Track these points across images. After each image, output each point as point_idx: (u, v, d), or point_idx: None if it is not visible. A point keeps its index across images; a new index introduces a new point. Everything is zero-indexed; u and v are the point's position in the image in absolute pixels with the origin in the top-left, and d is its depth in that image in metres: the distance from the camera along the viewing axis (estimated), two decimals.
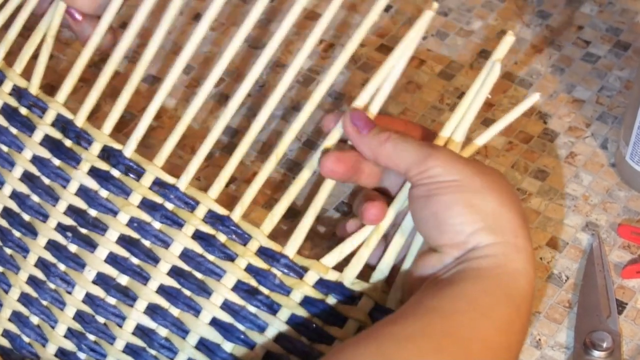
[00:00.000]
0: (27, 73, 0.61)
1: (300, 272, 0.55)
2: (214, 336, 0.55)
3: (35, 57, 0.61)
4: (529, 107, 0.56)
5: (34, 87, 0.59)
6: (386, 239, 0.57)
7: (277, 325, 0.54)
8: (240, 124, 0.76)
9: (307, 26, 0.83)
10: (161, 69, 0.79)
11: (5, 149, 0.59)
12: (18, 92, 0.60)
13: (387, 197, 0.57)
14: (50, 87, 0.59)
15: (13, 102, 0.59)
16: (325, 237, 0.69)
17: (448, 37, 0.83)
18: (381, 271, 0.54)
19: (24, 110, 0.59)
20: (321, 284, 0.54)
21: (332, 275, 0.54)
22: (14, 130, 0.59)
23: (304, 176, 0.56)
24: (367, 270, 0.56)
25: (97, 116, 0.60)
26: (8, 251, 0.59)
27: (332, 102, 0.79)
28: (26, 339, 0.58)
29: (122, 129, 0.71)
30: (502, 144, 0.77)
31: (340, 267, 0.56)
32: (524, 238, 0.52)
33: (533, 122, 0.78)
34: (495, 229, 0.52)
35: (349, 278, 0.54)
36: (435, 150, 0.53)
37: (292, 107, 0.78)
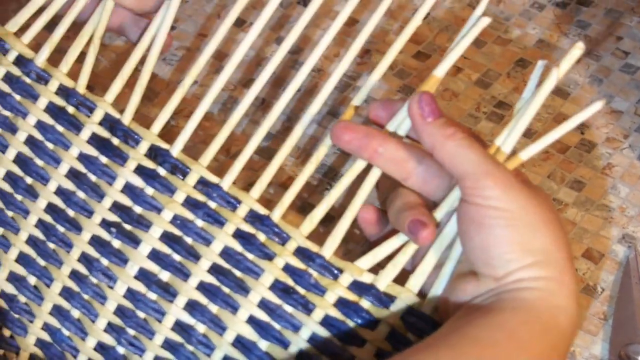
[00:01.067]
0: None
1: (335, 272, 0.55)
2: (250, 334, 0.55)
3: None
4: (587, 117, 0.54)
5: (81, 86, 0.60)
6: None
7: (311, 325, 0.54)
8: (277, 128, 0.77)
9: (345, 32, 0.83)
10: (205, 75, 0.80)
11: (51, 146, 0.60)
12: (65, 92, 0.60)
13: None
14: (88, 87, 0.60)
15: (60, 101, 0.60)
16: (360, 241, 0.69)
17: (485, 45, 0.83)
18: (417, 278, 0.54)
19: (71, 109, 0.60)
20: (355, 286, 0.54)
21: (367, 278, 0.54)
22: (60, 128, 0.60)
23: (345, 181, 0.56)
24: (402, 276, 0.55)
25: (134, 117, 0.61)
26: (51, 246, 0.59)
27: (367, 107, 0.79)
28: (66, 332, 0.59)
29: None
30: (538, 153, 0.76)
31: (376, 270, 0.56)
32: (570, 275, 0.51)
33: (570, 132, 0.77)
34: (543, 266, 0.51)
35: (384, 282, 0.54)
36: (495, 169, 0.51)
37: (329, 113, 0.79)
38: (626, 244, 0.71)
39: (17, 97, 0.61)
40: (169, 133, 0.63)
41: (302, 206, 0.72)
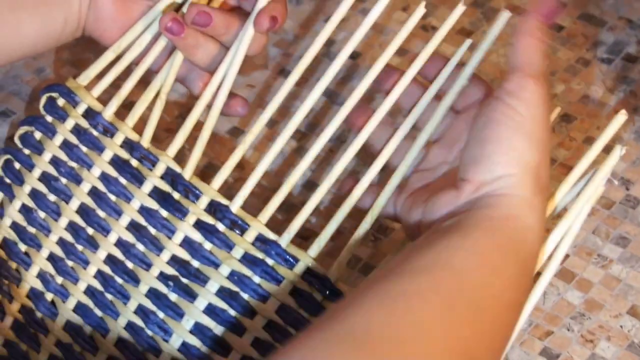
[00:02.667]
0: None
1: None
2: None
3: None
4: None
5: (145, 140, 0.61)
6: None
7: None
8: (320, 160, 0.77)
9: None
10: (243, 120, 0.81)
11: (113, 198, 0.61)
12: (130, 145, 0.61)
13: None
14: (139, 133, 0.61)
15: (124, 154, 0.61)
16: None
17: None
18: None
19: (134, 162, 0.61)
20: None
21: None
22: (123, 181, 0.61)
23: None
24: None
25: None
26: (109, 297, 0.60)
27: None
28: None
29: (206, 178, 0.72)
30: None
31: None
32: (542, 198, 0.53)
33: (615, 188, 0.78)
34: (522, 184, 0.53)
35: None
36: (541, 80, 0.55)
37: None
38: None
39: (84, 149, 0.62)
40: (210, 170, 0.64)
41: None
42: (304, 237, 0.69)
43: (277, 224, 0.60)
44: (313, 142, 0.59)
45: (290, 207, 0.68)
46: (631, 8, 0.88)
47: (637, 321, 0.70)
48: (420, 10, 0.60)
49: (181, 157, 0.62)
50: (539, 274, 0.56)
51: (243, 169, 0.76)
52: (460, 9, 0.60)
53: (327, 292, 0.56)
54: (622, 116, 0.57)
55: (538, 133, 0.53)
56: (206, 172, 0.64)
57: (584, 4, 0.89)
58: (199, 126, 0.62)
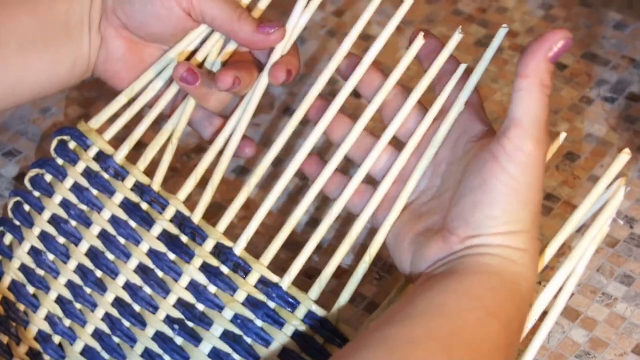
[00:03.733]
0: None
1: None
2: None
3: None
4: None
5: (156, 183, 0.62)
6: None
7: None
8: (322, 199, 0.77)
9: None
10: (248, 158, 0.81)
11: (122, 241, 0.61)
12: (140, 188, 0.62)
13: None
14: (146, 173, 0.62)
15: (134, 197, 0.62)
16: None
17: None
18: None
19: (144, 206, 0.61)
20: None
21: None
22: (132, 224, 0.61)
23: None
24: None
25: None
26: (116, 340, 0.60)
27: None
28: None
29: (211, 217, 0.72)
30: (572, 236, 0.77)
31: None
32: (532, 251, 0.54)
33: (619, 226, 0.78)
34: (514, 237, 0.53)
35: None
36: (543, 139, 0.54)
37: (368, 182, 0.79)
38: None
39: (94, 192, 0.62)
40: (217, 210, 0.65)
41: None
42: (309, 276, 0.70)
43: (282, 262, 0.61)
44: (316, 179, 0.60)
45: (294, 245, 0.69)
46: (634, 47, 0.89)
47: None
48: (419, 41, 0.60)
49: (187, 197, 0.62)
50: (545, 313, 0.56)
51: (248, 207, 0.76)
52: (457, 36, 0.60)
53: (328, 335, 0.56)
54: (625, 155, 0.56)
55: (532, 197, 0.53)
56: (210, 209, 0.64)
57: (587, 43, 0.90)
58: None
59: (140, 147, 0.65)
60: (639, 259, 0.75)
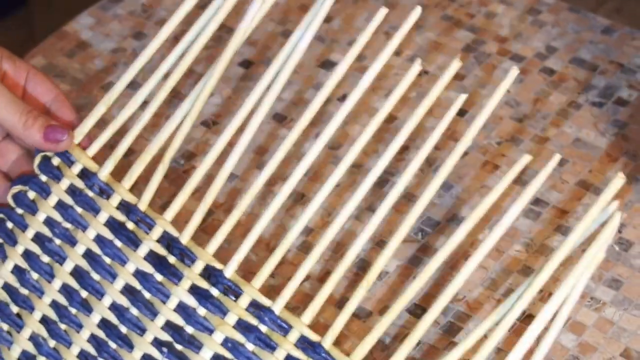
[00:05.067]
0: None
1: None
2: None
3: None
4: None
5: (143, 203, 0.61)
6: None
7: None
8: (315, 222, 0.77)
9: (384, 129, 0.84)
10: (246, 170, 0.81)
11: (108, 260, 0.60)
12: (126, 207, 0.61)
13: None
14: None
15: (120, 217, 0.61)
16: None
17: (522, 143, 0.84)
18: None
19: (130, 225, 0.60)
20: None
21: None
22: (118, 244, 0.60)
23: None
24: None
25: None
26: None
27: (405, 202, 0.80)
28: None
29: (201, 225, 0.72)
30: (575, 251, 0.77)
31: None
32: None
33: None
34: None
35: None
36: None
37: (366, 208, 0.79)
38: None
39: (79, 210, 0.61)
40: (210, 227, 0.64)
41: (342, 301, 0.72)
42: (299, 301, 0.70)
43: (273, 287, 0.61)
44: (314, 190, 0.60)
45: (287, 269, 0.69)
46: (622, 52, 0.89)
47: None
48: (416, 68, 0.60)
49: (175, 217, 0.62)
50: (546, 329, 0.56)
51: (239, 226, 0.76)
52: (456, 64, 0.59)
53: (323, 358, 0.56)
54: (620, 180, 0.54)
55: None
56: (200, 228, 0.64)
57: (575, 48, 0.90)
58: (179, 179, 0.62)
59: (130, 154, 0.64)
60: (627, 263, 0.76)
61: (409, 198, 0.80)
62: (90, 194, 0.62)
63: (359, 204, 0.77)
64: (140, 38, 0.91)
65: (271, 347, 0.56)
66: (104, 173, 0.62)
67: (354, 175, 0.81)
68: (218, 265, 0.59)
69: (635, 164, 0.82)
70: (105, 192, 0.62)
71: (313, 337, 0.56)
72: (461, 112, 0.85)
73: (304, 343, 0.56)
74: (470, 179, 0.82)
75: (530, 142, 0.84)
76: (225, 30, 0.84)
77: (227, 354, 0.57)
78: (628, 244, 0.77)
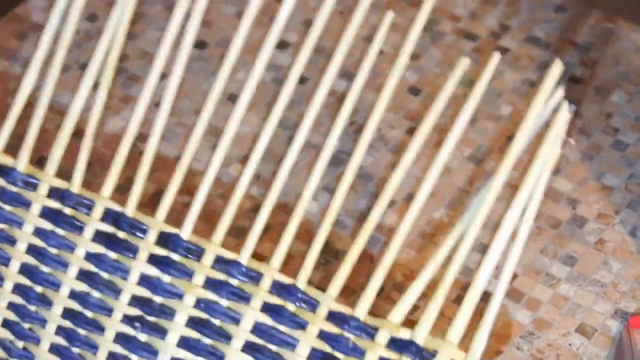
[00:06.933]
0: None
1: (372, 332, 0.54)
2: None
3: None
4: None
5: (76, 186, 0.59)
6: None
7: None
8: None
9: (338, 108, 0.84)
10: (202, 152, 0.81)
11: (55, 251, 0.58)
12: (59, 193, 0.59)
13: None
14: (42, 158, 0.59)
15: (55, 204, 0.59)
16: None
17: (477, 121, 0.85)
18: (456, 329, 0.53)
19: (68, 211, 0.58)
20: (395, 344, 0.53)
21: (405, 334, 0.53)
22: (61, 232, 0.58)
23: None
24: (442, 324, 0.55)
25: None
26: (76, 350, 0.58)
27: (362, 183, 0.80)
28: None
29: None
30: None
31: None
32: None
33: (562, 208, 0.79)
34: None
35: (422, 336, 0.53)
36: None
37: (322, 188, 0.80)
38: (619, 319, 0.72)
39: (8, 208, 0.59)
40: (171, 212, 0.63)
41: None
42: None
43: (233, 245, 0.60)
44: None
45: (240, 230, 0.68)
46: (575, 31, 0.90)
47: (585, 339, 0.71)
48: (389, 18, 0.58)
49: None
50: (489, 294, 0.56)
51: (191, 193, 0.76)
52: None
53: (299, 300, 0.56)
54: (558, 66, 0.51)
55: None
56: (155, 201, 0.62)
57: (529, 27, 0.90)
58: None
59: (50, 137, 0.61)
60: (581, 240, 0.76)
61: (365, 178, 0.80)
62: (14, 189, 0.59)
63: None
64: (94, 20, 0.90)
65: (245, 298, 0.55)
66: (22, 165, 0.59)
67: (308, 153, 0.81)
68: (173, 230, 0.57)
69: (589, 141, 0.83)
70: (30, 183, 0.59)
71: (286, 280, 0.56)
72: (415, 91, 0.86)
73: (278, 288, 0.56)
74: (425, 157, 0.82)
75: (485, 121, 0.85)
76: None
77: (202, 314, 0.56)
78: (582, 220, 0.78)
